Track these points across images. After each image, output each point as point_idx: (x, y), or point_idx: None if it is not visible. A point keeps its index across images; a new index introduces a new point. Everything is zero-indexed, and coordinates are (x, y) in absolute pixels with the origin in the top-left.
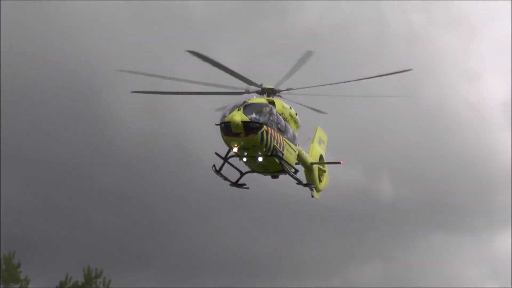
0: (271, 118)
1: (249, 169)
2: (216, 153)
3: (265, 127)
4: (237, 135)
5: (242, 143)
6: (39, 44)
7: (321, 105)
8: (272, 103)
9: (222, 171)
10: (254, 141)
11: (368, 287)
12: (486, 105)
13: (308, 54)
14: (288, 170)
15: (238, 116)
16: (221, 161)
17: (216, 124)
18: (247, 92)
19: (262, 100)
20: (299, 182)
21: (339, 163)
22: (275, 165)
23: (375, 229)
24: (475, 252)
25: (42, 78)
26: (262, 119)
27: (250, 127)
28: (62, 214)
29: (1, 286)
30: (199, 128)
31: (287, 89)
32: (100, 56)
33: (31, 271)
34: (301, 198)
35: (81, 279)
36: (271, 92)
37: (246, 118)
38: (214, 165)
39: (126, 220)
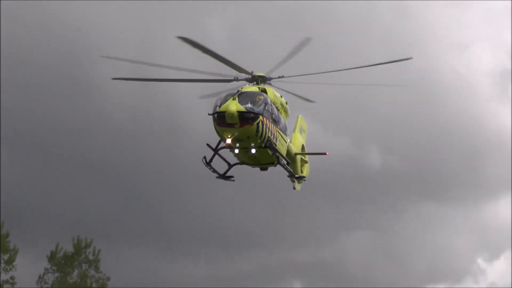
0: (266, 107)
1: (237, 161)
2: (208, 144)
3: (260, 117)
4: (231, 125)
5: (236, 134)
6: (33, 20)
7: (313, 91)
8: (264, 91)
9: (211, 163)
10: (249, 132)
11: (358, 255)
12: (474, 75)
13: (305, 41)
14: (283, 163)
15: (234, 106)
16: (211, 152)
17: (209, 114)
18: (236, 79)
19: (255, 88)
20: (291, 175)
21: (324, 154)
22: (267, 157)
23: (365, 199)
24: (464, 221)
25: (35, 52)
26: (257, 109)
27: (245, 118)
28: (52, 185)
29: None
30: (189, 100)
31: (279, 77)
32: (91, 29)
33: (22, 241)
34: None
35: (70, 249)
36: (261, 79)
37: (242, 108)
38: (204, 157)
39: (116, 191)
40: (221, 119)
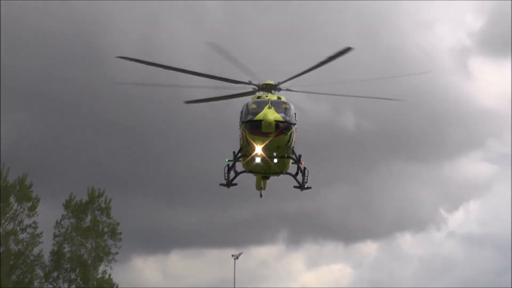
0: (295, 117)
1: (244, 169)
2: (234, 152)
3: (293, 127)
4: (265, 134)
5: (267, 143)
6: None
7: (316, 99)
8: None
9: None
10: (281, 141)
11: (336, 206)
12: (437, 51)
13: (346, 50)
14: (306, 174)
15: (272, 115)
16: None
17: (242, 122)
18: (250, 83)
19: (274, 97)
20: (301, 186)
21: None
22: (280, 167)
23: (342, 157)
24: (428, 177)
25: (47, 19)
26: (290, 119)
27: (280, 127)
28: (69, 141)
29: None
30: (192, 65)
31: (287, 87)
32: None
33: (41, 190)
34: None
35: (85, 198)
36: (270, 87)
37: (279, 118)
38: (228, 165)
39: (126, 146)
40: (255, 127)
